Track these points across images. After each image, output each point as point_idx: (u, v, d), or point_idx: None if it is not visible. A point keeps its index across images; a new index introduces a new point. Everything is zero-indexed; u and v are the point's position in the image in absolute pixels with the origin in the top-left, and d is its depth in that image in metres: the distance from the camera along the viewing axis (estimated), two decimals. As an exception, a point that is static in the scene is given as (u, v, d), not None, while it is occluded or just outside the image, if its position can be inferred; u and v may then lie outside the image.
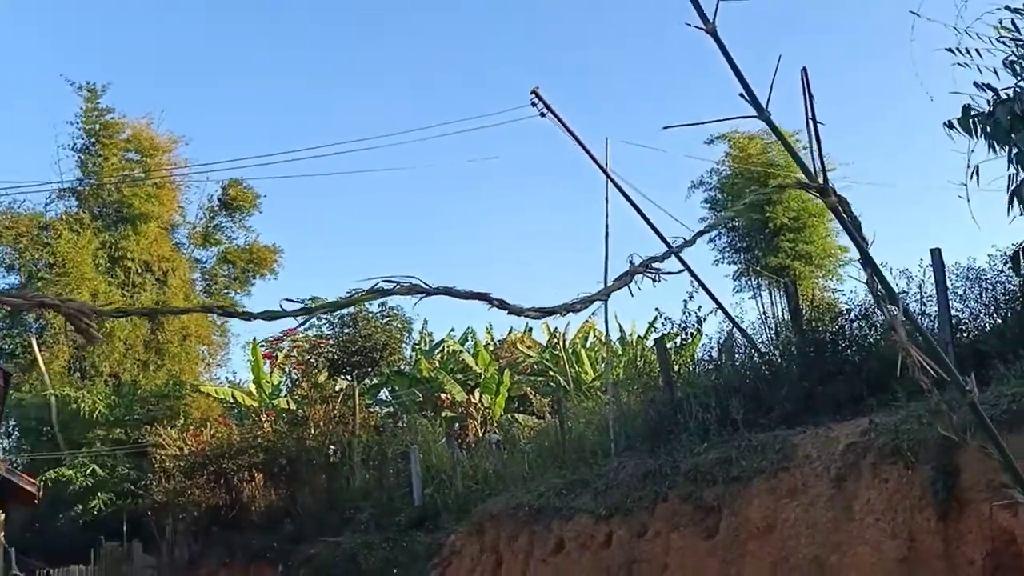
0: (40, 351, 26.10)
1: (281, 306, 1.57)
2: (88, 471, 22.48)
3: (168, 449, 19.76)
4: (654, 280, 1.90)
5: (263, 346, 22.34)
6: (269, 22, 51.69)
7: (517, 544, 10.23)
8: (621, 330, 22.88)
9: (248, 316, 1.52)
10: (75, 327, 1.34)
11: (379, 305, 19.40)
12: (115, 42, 49.40)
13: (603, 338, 23.38)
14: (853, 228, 2.10)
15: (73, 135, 29.97)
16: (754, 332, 12.16)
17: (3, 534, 20.58)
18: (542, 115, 13.81)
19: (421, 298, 1.61)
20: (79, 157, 29.81)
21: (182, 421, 22.28)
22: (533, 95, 13.78)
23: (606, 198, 13.56)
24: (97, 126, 29.85)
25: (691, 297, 11.79)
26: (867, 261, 2.08)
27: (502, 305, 1.75)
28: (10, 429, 26.19)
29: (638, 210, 13.08)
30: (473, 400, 19.33)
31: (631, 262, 1.89)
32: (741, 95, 2.27)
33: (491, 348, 24.03)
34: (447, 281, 1.63)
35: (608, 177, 13.33)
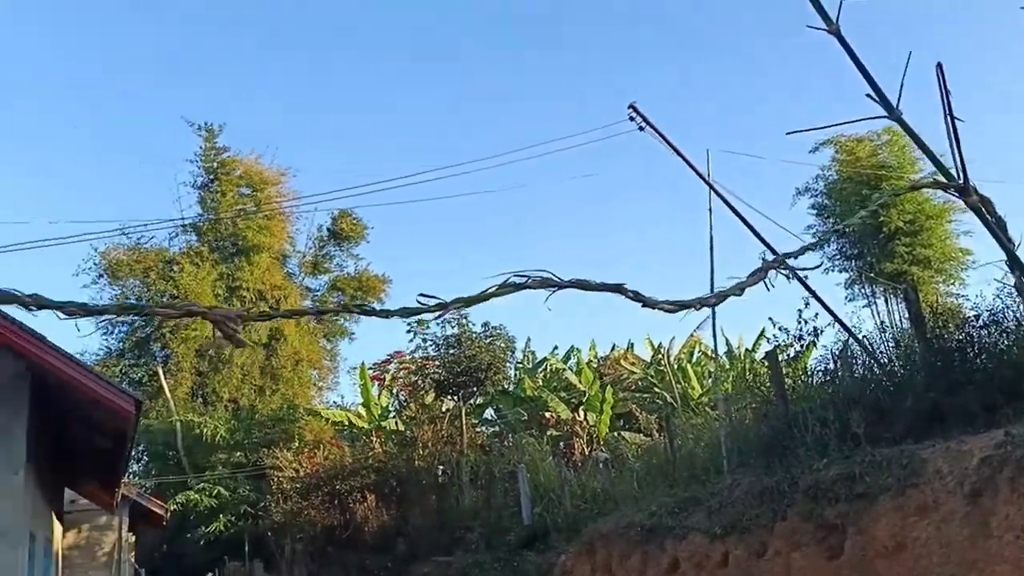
0: (165, 379, 27.50)
1: (418, 301, 1.58)
2: (212, 493, 23.46)
3: (285, 471, 20.40)
4: (788, 277, 1.83)
5: (371, 369, 22.88)
6: (368, 60, 53.37)
7: (629, 564, 10.03)
8: (728, 344, 22.33)
9: (386, 314, 1.54)
10: (222, 332, 1.39)
11: (482, 325, 19.58)
12: (228, 80, 51.99)
13: (709, 352, 22.87)
14: (998, 229, 1.98)
15: (193, 173, 31.77)
16: (871, 342, 11.62)
17: (134, 555, 21.68)
18: (640, 129, 13.65)
19: (554, 291, 1.59)
20: (199, 194, 31.51)
21: (297, 443, 23.00)
22: (631, 110, 13.65)
23: (709, 209, 13.31)
24: (215, 164, 31.50)
25: (806, 305, 11.38)
26: (1015, 263, 1.95)
27: (636, 297, 1.71)
28: (140, 454, 27.62)
29: (743, 220, 12.75)
30: (578, 418, 19.20)
31: (763, 259, 1.83)
32: (868, 96, 2.18)
33: (594, 365, 23.85)
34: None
35: (712, 188, 13.07)
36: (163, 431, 26.50)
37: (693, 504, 9.57)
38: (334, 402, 30.74)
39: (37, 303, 1.30)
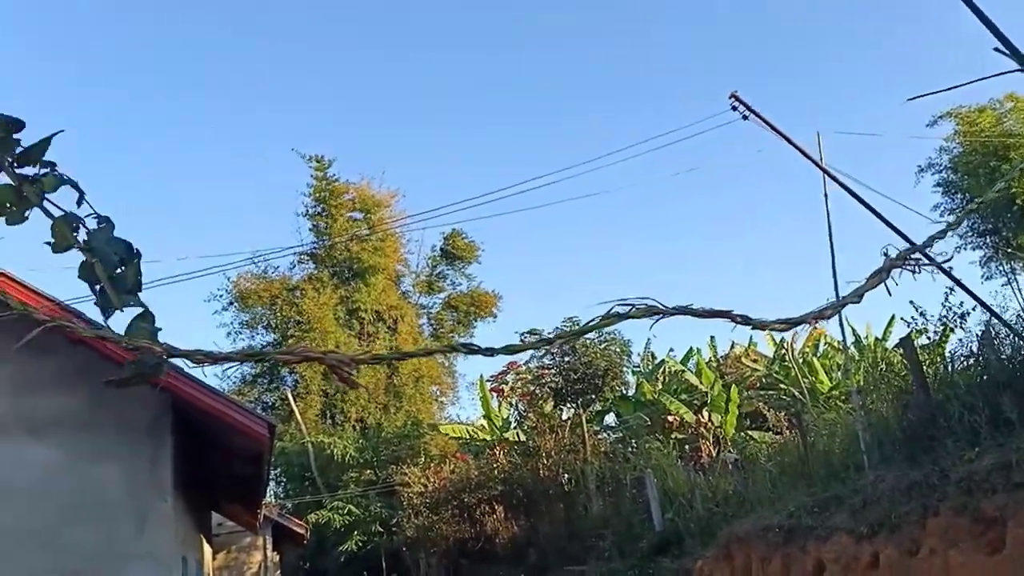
0: (295, 403, 28.61)
1: (522, 339, 1.53)
2: (345, 511, 24.15)
3: (413, 487, 20.79)
4: (914, 272, 1.66)
5: (489, 381, 23.06)
6: (464, 74, 54.20)
7: (771, 568, 9.66)
8: (856, 334, 21.31)
9: (491, 352, 1.49)
10: (337, 376, 1.38)
11: (597, 331, 19.41)
12: (333, 108, 53.80)
13: (836, 344, 21.89)
14: None
15: (307, 204, 33.09)
16: (1016, 322, 10.83)
17: (279, 573, 22.57)
18: (744, 118, 13.25)
19: (658, 319, 1.50)
20: (313, 222, 32.75)
21: (423, 459, 23.41)
22: (732, 99, 13.27)
23: (824, 195, 12.77)
24: (326, 193, 32.69)
25: (951, 291, 10.78)
26: None
27: (745, 321, 1.60)
28: (278, 476, 28.78)
29: (863, 202, 12.14)
30: (702, 420, 18.74)
31: (885, 254, 1.66)
32: (997, 50, 1.96)
33: (714, 365, 23.25)
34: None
35: (826, 173, 12.53)
36: (297, 452, 27.53)
37: (834, 503, 9.13)
38: (455, 416, 31.26)
39: (168, 352, 1.32)
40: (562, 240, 54.49)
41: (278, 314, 30.80)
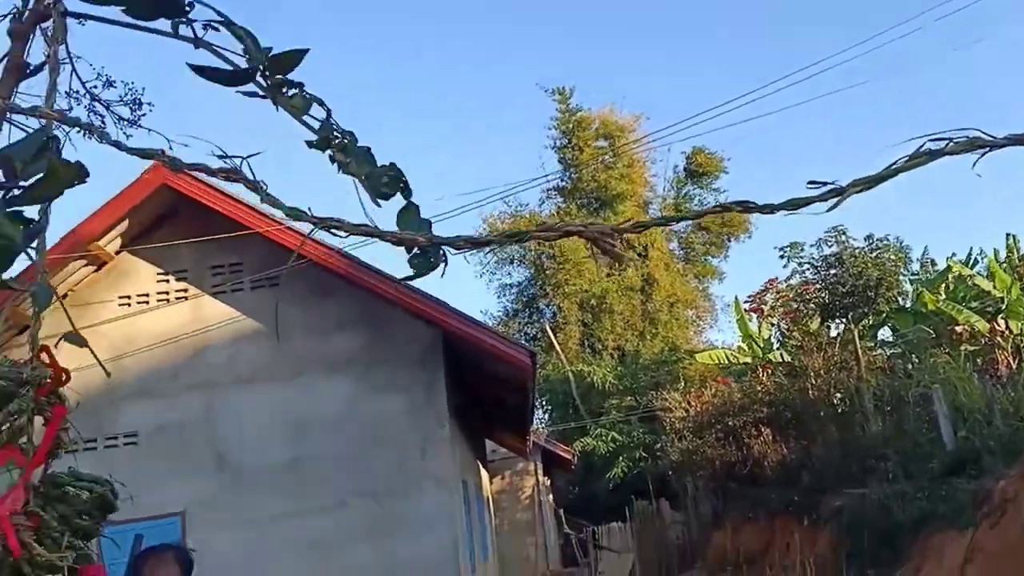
0: (554, 334, 29.52)
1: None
2: (608, 438, 24.69)
3: (675, 412, 20.71)
4: None
5: (746, 302, 22.20)
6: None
7: (1093, 489, 8.46)
8: None
9: (771, 208, 1.28)
10: (600, 249, 1.26)
11: (865, 239, 17.88)
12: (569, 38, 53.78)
13: None
14: None
15: (553, 137, 33.58)
16: None
17: (552, 497, 23.68)
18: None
19: (983, 154, 1.20)
20: (560, 155, 33.19)
21: (683, 384, 23.23)
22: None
23: None
24: (571, 124, 32.90)
25: None
26: None
27: None
28: (543, 405, 30.06)
29: None
30: (998, 328, 16.71)
31: None
32: None
33: (1013, 264, 20.45)
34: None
35: None
36: (558, 381, 28.49)
37: None
38: (714, 341, 30.66)
39: (431, 240, 1.27)
40: (819, 143, 50.82)
41: (534, 249, 31.85)
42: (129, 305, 10.15)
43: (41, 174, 1.21)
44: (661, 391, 22.73)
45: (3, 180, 1.20)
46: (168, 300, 10.26)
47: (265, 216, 9.58)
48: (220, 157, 1.38)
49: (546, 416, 30.79)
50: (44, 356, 1.38)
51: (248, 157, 1.38)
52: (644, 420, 24.25)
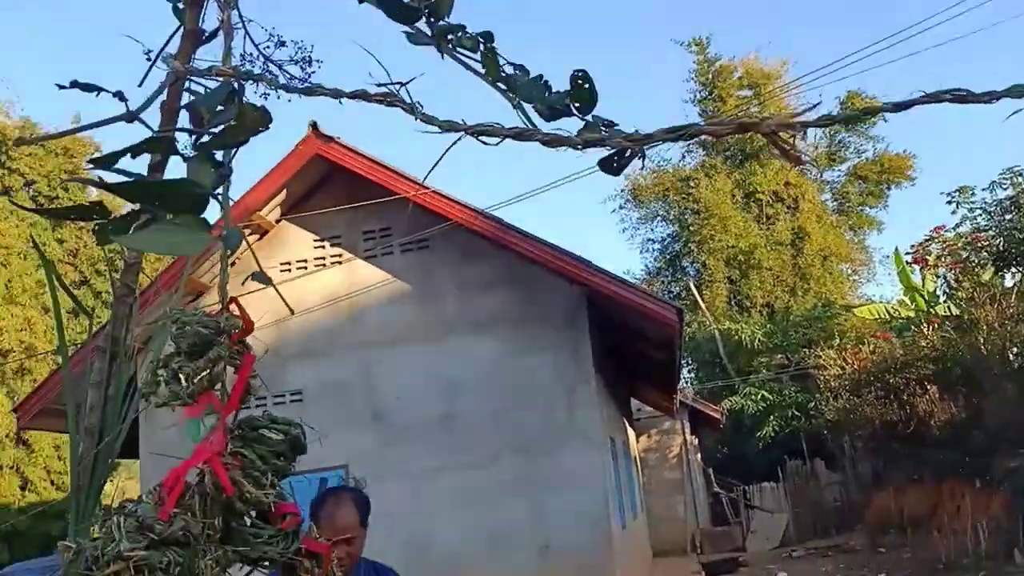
0: (700, 292, 28.92)
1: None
2: (758, 397, 24.03)
3: (830, 369, 19.88)
4: None
5: (908, 253, 20.89)
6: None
7: None
8: None
9: (989, 97, 1.14)
10: (777, 148, 1.19)
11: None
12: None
13: None
14: None
15: (692, 90, 32.63)
16: None
17: (700, 455, 23.39)
18: None
19: None
20: (700, 108, 32.21)
21: (838, 341, 22.24)
22: None
23: None
24: (710, 75, 31.83)
25: None
26: None
27: None
28: (688, 364, 29.62)
29: None
30: None
31: None
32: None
33: None
34: None
35: None
36: (704, 340, 27.94)
37: None
38: (872, 296, 29.12)
39: (586, 143, 1.26)
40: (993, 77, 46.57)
41: (673, 207, 31.16)
42: (289, 271, 10.74)
43: (229, 122, 1.29)
44: (814, 348, 21.85)
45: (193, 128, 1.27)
46: (324, 265, 10.78)
47: (413, 181, 9.85)
48: (379, 85, 1.42)
49: (692, 375, 30.34)
50: (232, 307, 1.47)
51: (406, 83, 1.41)
52: (796, 378, 23.44)
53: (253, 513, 1.43)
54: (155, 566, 1.23)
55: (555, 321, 9.94)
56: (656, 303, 9.87)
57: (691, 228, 30.33)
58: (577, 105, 1.32)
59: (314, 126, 10.30)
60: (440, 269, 10.48)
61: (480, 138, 1.36)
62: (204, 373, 1.36)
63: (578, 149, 1.34)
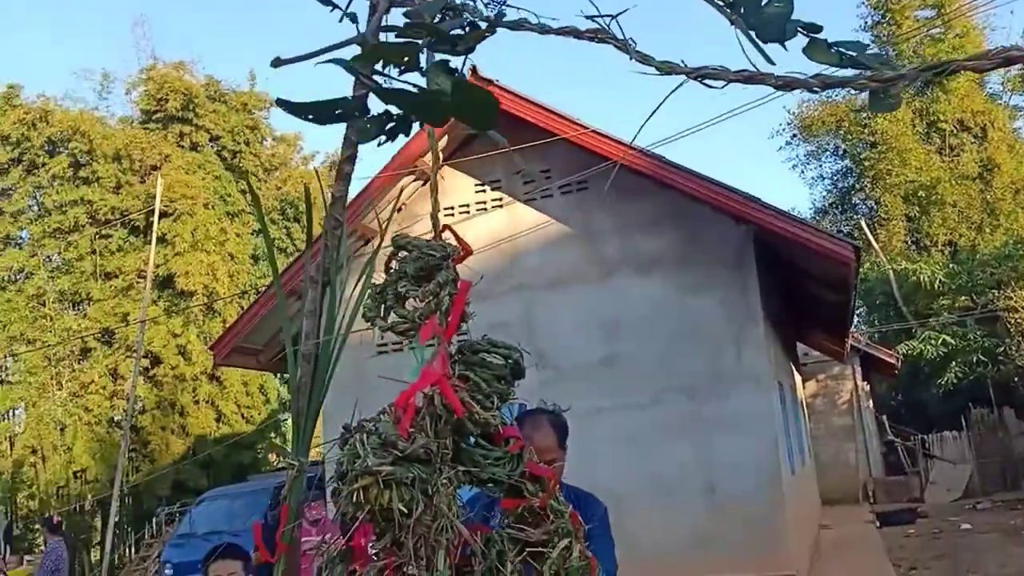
0: (872, 231, 27.22)
1: None
2: (938, 341, 22.49)
3: (1022, 312, 18.33)
4: None
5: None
6: None
7: None
8: None
9: None
10: None
11: None
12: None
13: None
14: None
15: (862, 15, 30.38)
16: None
17: (871, 403, 22.28)
18: None
19: None
20: (872, 34, 29.96)
21: (1032, 281, 20.41)
22: None
23: None
24: (884, -2, 29.53)
25: None
26: None
27: None
28: (858, 307, 28.08)
29: None
30: None
31: None
32: None
33: None
34: None
35: None
36: (878, 281, 26.39)
37: None
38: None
39: (785, 84, 1.14)
40: None
41: (847, 139, 29.32)
42: (453, 215, 10.96)
43: (455, 30, 1.27)
44: (1004, 290, 20.15)
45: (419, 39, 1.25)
46: (486, 209, 10.92)
47: (571, 121, 9.73)
48: (588, 18, 1.35)
49: (861, 318, 28.79)
50: (446, 234, 1.47)
51: (616, 16, 1.34)
52: (982, 322, 21.73)
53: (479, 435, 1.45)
54: (401, 481, 1.26)
55: (721, 261, 9.64)
56: (831, 240, 9.34)
57: (865, 163, 28.46)
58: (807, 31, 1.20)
59: (474, 70, 10.34)
60: (600, 210, 10.36)
61: (704, 82, 1.27)
62: (431, 297, 1.38)
63: (815, 92, 1.23)
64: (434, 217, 1.48)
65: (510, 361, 1.54)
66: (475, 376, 1.44)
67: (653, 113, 1.44)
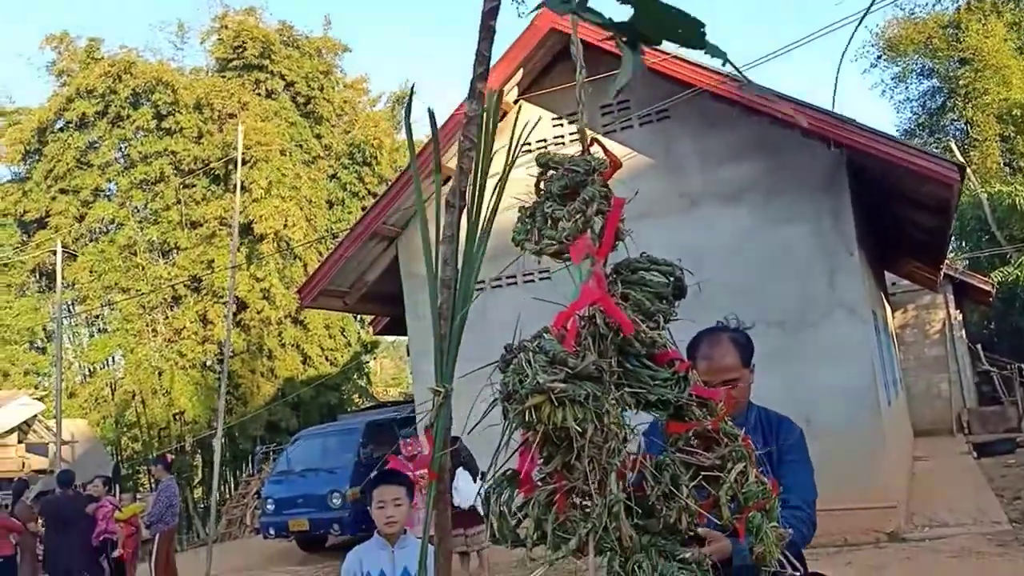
0: (961, 153, 25.87)
1: None
2: (1035, 267, 21.39)
3: None
4: None
5: None
6: None
7: None
8: None
9: None
10: None
11: None
12: None
13: None
14: None
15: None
16: None
17: (964, 332, 21.44)
18: None
19: None
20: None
21: None
22: None
23: None
24: None
25: None
26: None
27: None
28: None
29: None
30: None
31: None
32: None
33: None
34: None
35: None
36: (969, 205, 25.19)
37: None
38: None
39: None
40: None
41: (938, 56, 27.71)
42: (531, 150, 10.78)
43: None
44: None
45: None
46: (564, 143, 10.71)
47: (654, 48, 9.39)
48: None
49: (951, 245, 27.55)
50: (595, 148, 1.38)
51: None
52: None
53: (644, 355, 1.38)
54: (575, 398, 1.20)
55: (812, 188, 9.28)
56: (934, 160, 8.85)
57: (959, 81, 26.89)
58: None
59: (548, -1, 10.05)
60: (682, 140, 10.06)
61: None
62: (578, 215, 1.29)
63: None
64: (581, 131, 1.39)
65: (672, 279, 1.45)
66: (637, 295, 1.36)
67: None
